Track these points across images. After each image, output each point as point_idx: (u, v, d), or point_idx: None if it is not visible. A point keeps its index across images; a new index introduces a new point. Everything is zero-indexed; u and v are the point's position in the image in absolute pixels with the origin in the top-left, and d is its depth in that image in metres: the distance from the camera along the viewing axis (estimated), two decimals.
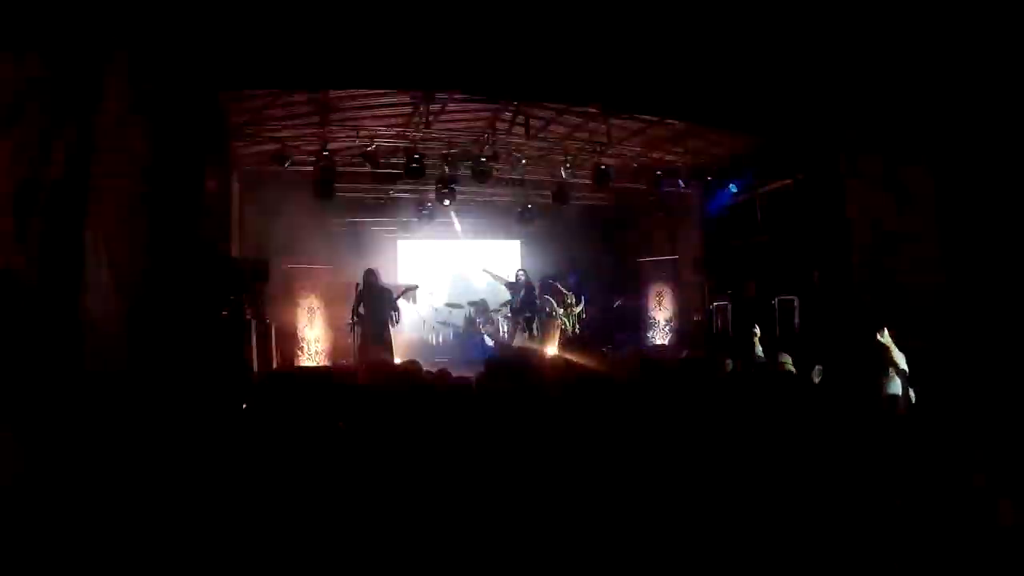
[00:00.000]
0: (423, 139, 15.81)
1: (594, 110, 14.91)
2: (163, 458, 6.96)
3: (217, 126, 13.04)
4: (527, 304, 17.29)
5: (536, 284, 19.38)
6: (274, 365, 13.76)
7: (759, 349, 10.98)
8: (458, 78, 12.64)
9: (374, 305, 15.47)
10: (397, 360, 13.95)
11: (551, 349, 17.35)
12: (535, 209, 19.70)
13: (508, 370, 7.94)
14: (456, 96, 14.06)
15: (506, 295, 20.51)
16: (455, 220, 19.39)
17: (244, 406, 9.34)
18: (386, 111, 15.12)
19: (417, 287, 16.38)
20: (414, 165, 15.67)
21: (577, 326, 18.89)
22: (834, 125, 14.25)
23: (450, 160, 16.31)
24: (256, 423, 6.65)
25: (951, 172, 11.86)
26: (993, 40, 10.38)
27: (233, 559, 4.10)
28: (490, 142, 16.41)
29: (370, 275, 15.76)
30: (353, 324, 15.78)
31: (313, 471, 5.30)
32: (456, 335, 20.18)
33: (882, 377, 7.33)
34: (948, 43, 11.07)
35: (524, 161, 16.87)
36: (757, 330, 11.62)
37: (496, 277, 17.82)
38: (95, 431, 6.32)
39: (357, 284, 16.03)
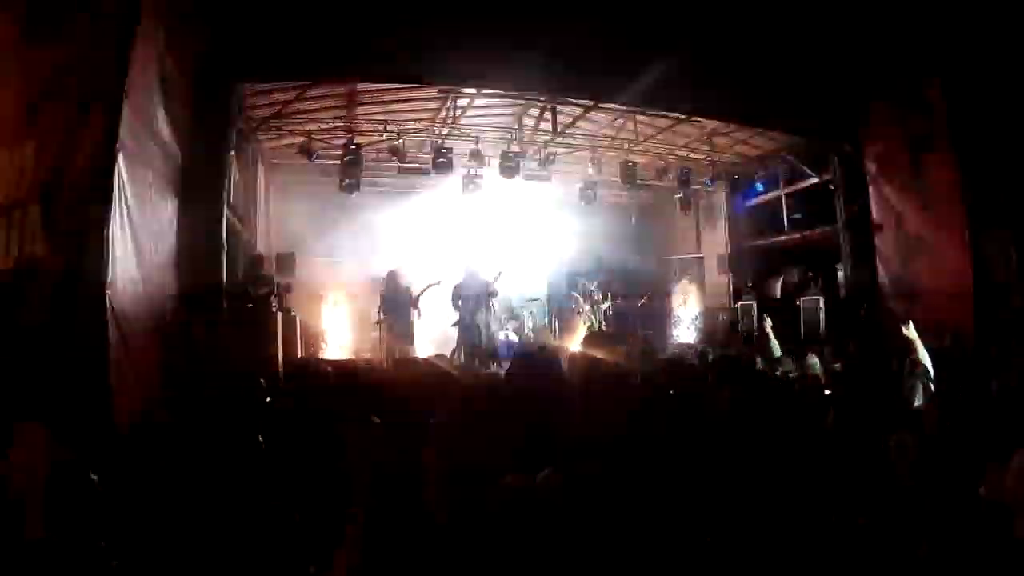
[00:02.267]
0: (450, 134, 15.79)
1: (622, 107, 14.86)
2: (188, 452, 6.97)
3: (243, 119, 13.08)
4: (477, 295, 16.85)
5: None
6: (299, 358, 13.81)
7: (774, 345, 10.78)
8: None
9: (396, 304, 15.64)
10: (421, 355, 14.04)
11: (574, 344, 17.29)
12: (562, 205, 19.66)
13: (535, 363, 7.90)
14: (484, 91, 14.04)
15: (532, 292, 20.56)
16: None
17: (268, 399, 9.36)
18: (413, 105, 15.11)
19: (439, 282, 16.37)
20: (441, 160, 15.66)
21: (603, 322, 18.84)
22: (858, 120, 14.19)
23: (477, 155, 16.27)
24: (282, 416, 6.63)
25: (979, 165, 11.75)
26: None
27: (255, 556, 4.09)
28: (517, 138, 16.38)
29: (391, 277, 15.96)
30: (379, 322, 15.97)
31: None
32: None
33: (912, 385, 7.15)
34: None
35: (551, 157, 16.82)
36: (768, 321, 11.41)
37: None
38: (121, 423, 6.33)
39: (381, 283, 16.23)
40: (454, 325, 16.15)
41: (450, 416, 5.66)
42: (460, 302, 15.91)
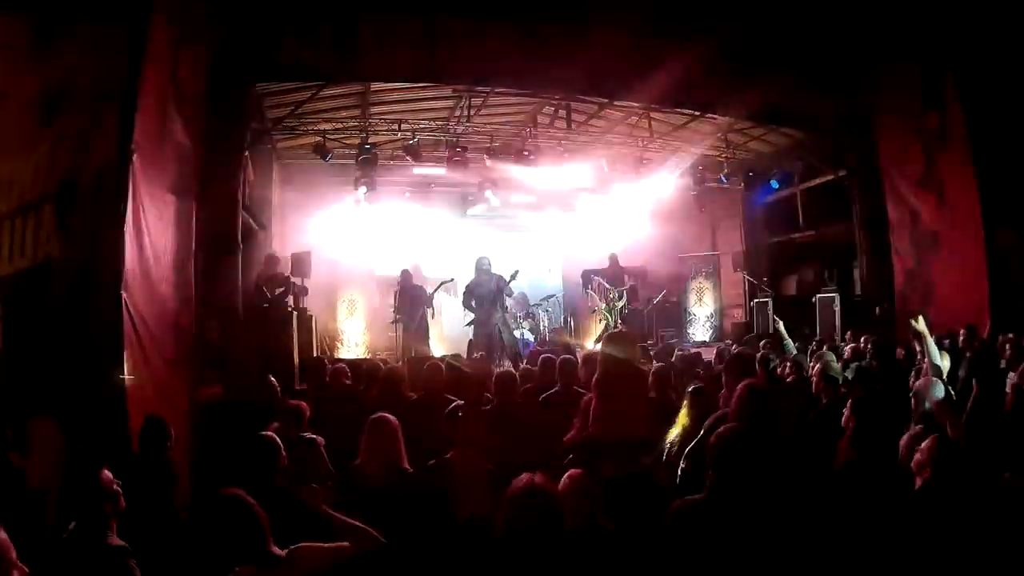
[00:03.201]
0: (465, 132, 15.79)
1: (636, 104, 14.83)
2: (202, 451, 7.00)
3: (258, 119, 13.11)
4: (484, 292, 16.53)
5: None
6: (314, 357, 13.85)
7: (788, 343, 10.73)
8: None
9: (411, 303, 15.64)
10: (437, 353, 14.09)
11: (590, 343, 17.29)
12: (576, 203, 19.63)
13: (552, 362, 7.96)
14: (498, 89, 14.03)
15: (548, 289, 20.52)
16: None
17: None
18: (427, 104, 15.13)
19: (453, 280, 16.34)
20: (456, 158, 15.67)
21: (619, 321, 18.77)
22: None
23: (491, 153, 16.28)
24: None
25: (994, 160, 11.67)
26: None
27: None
28: (532, 135, 16.36)
29: (404, 275, 15.96)
30: (395, 321, 16.00)
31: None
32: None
33: (926, 383, 7.03)
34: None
35: (566, 154, 16.82)
36: (780, 324, 11.41)
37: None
38: (137, 419, 6.35)
39: (396, 282, 16.26)
40: (468, 324, 16.05)
41: (472, 417, 5.66)
42: (474, 302, 15.74)
